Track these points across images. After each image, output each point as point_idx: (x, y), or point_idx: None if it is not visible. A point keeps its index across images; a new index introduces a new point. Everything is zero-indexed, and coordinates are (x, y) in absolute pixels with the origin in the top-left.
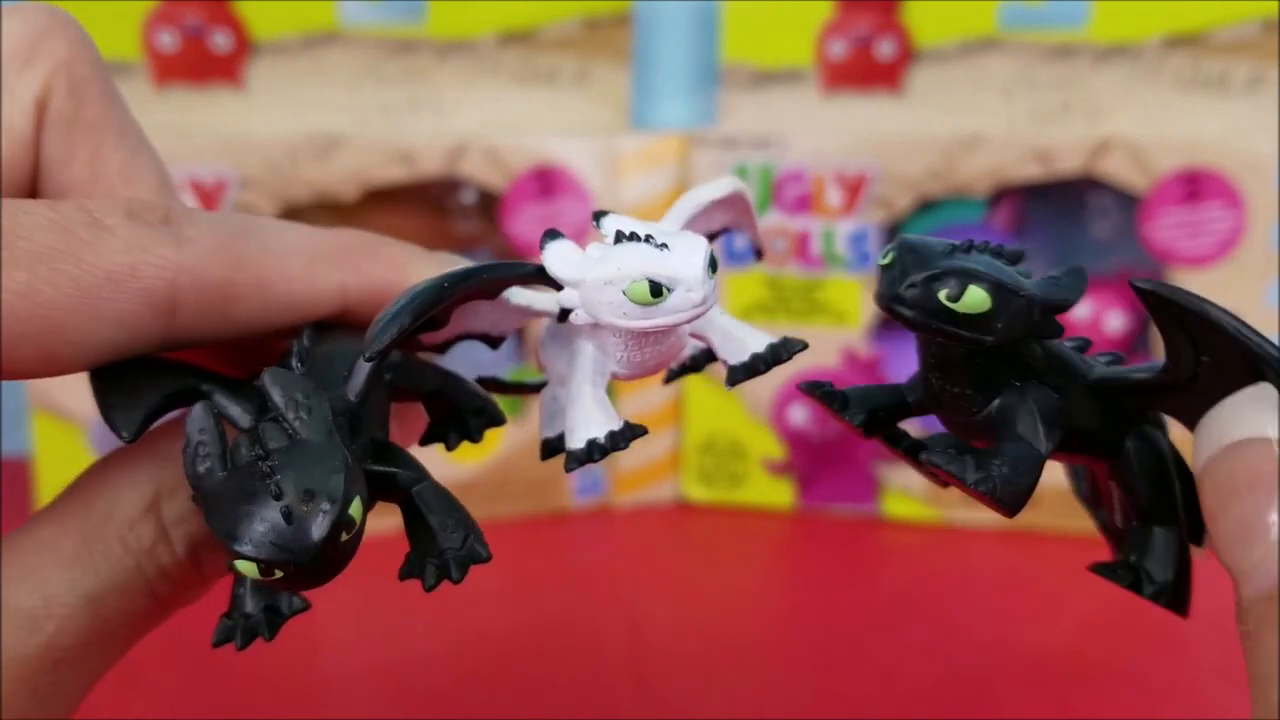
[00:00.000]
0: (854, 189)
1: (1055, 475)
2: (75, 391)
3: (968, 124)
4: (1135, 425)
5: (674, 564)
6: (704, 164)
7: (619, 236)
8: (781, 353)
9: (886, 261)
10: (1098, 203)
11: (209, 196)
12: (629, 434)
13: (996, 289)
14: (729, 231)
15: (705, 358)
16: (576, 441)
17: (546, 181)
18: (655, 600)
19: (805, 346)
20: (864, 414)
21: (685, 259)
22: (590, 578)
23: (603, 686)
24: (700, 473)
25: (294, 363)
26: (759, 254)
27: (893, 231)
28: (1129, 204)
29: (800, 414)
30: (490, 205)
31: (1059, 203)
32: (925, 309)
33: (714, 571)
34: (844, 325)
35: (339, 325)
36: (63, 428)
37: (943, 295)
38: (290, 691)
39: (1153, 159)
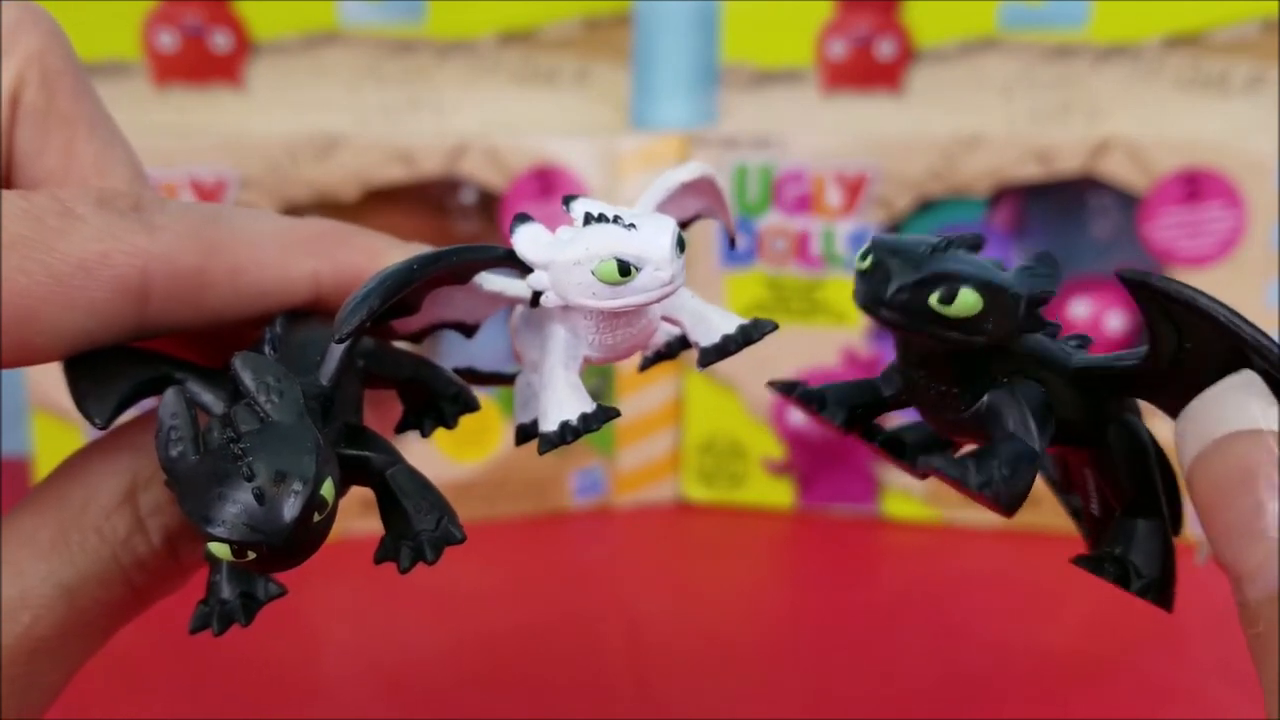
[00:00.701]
0: (854, 189)
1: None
2: None
3: (968, 124)
4: (1116, 414)
5: (674, 564)
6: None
7: (587, 218)
8: (752, 333)
9: (866, 266)
10: (1098, 203)
11: (209, 196)
12: (601, 416)
13: (986, 289)
14: (702, 218)
15: (679, 344)
16: (549, 424)
17: (546, 181)
18: (655, 600)
19: (776, 327)
20: (844, 412)
21: (653, 238)
22: (590, 577)
23: (603, 686)
24: (700, 473)
25: (266, 349)
26: (732, 242)
27: (893, 231)
28: (1129, 204)
29: (800, 414)
30: (490, 205)
31: (1059, 203)
32: (915, 314)
33: (714, 571)
34: (844, 325)
35: (312, 314)
36: (63, 428)
37: (933, 300)
38: (290, 691)
39: (1153, 159)
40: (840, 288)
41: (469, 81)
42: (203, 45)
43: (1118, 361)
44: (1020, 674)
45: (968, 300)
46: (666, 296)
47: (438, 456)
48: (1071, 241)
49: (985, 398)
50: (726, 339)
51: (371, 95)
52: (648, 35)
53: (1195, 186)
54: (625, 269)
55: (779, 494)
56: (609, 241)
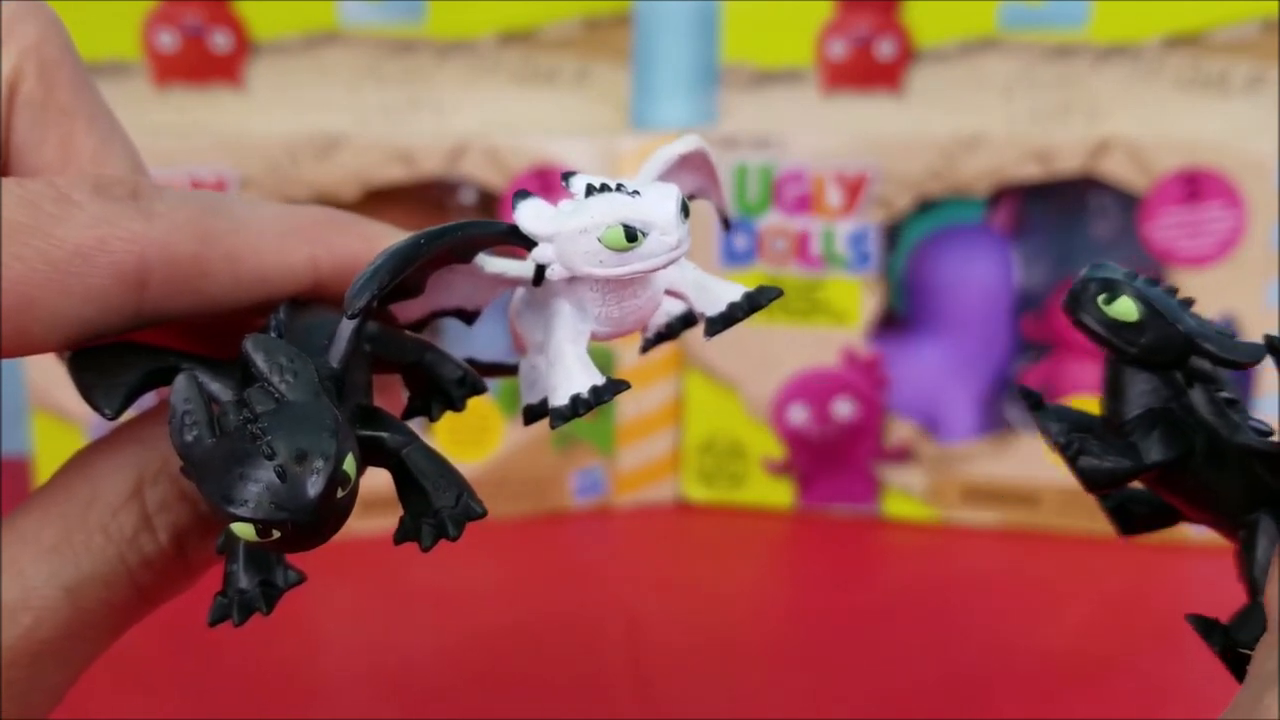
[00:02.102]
0: (854, 189)
1: (1054, 474)
2: (75, 391)
3: (968, 124)
4: (1276, 501)
5: (674, 564)
6: None
7: (589, 189)
8: (759, 299)
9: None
10: (1098, 203)
11: None
12: (612, 388)
13: (1149, 305)
14: (695, 198)
15: (680, 324)
16: (560, 399)
17: (546, 181)
18: (655, 600)
19: (781, 294)
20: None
21: (658, 203)
22: (590, 577)
23: (602, 686)
24: (700, 473)
25: (272, 336)
26: (725, 223)
27: (893, 231)
28: (1129, 204)
29: (800, 414)
30: (490, 205)
31: (1059, 203)
32: (1083, 302)
33: (714, 571)
34: (844, 325)
35: (313, 302)
36: (63, 428)
37: (1101, 299)
38: (291, 691)
39: (1153, 159)
40: (840, 288)
41: (469, 81)
42: (203, 45)
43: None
44: (1020, 674)
45: (1125, 306)
46: (673, 261)
47: None
48: (1071, 241)
49: (1135, 417)
50: (733, 307)
51: (371, 95)
52: (648, 35)
53: (1195, 186)
54: (632, 234)
55: (779, 494)
56: (614, 208)
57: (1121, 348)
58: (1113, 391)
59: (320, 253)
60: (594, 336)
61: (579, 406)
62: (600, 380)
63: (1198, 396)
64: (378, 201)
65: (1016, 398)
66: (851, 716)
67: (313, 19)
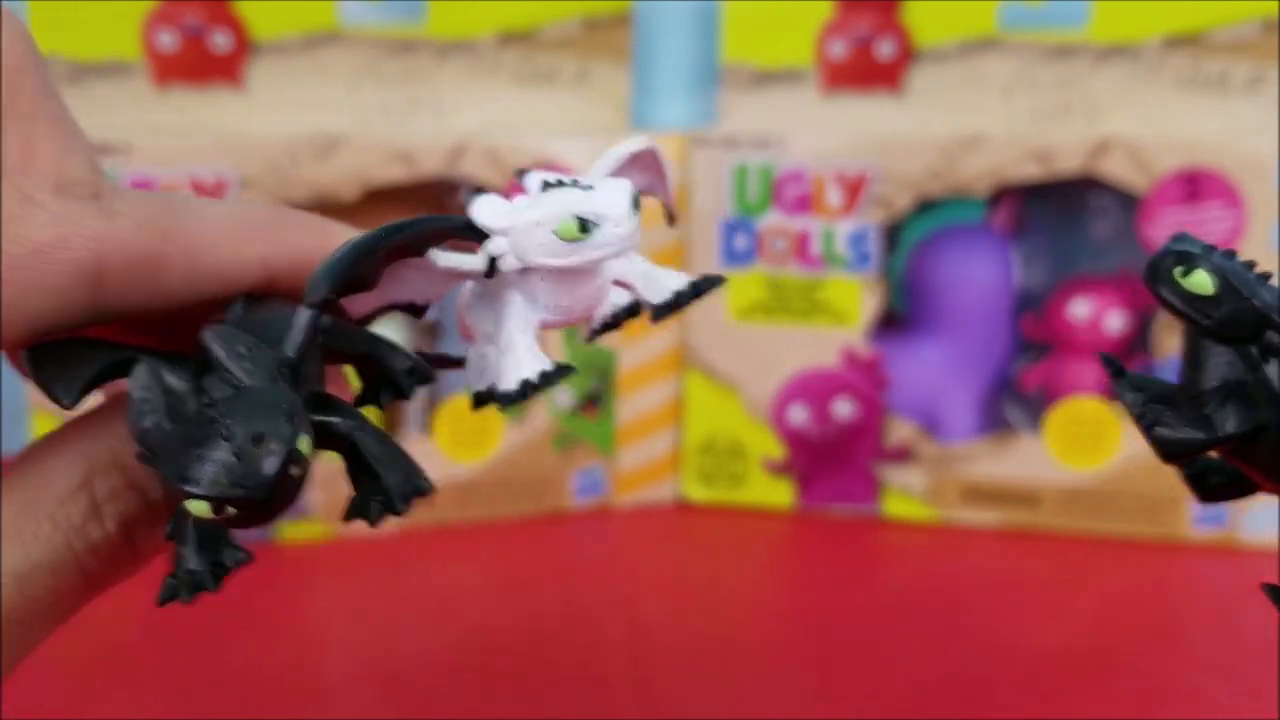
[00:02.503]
0: (854, 189)
1: (1054, 474)
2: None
3: (968, 124)
4: None
5: (674, 564)
6: (704, 164)
7: (545, 185)
8: (702, 286)
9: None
10: (1098, 203)
11: (208, 196)
12: (559, 373)
13: (1223, 279)
14: (645, 195)
15: (625, 313)
16: (509, 384)
17: None
18: (655, 600)
19: (724, 281)
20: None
21: (610, 197)
22: (590, 577)
23: (602, 686)
24: (700, 473)
25: (230, 327)
26: (670, 219)
27: (893, 231)
28: (1129, 204)
29: (800, 414)
30: None
31: (1059, 203)
32: (1160, 274)
33: (714, 571)
34: (844, 325)
35: (269, 297)
36: None
37: (1177, 271)
38: (291, 692)
39: (1153, 159)
40: (840, 288)
41: (469, 81)
42: (203, 45)
43: None
44: (1020, 674)
45: (1201, 279)
46: (625, 251)
47: (438, 456)
48: (1071, 241)
49: (1209, 387)
50: (678, 294)
51: (371, 95)
52: (648, 35)
53: (1195, 186)
54: (585, 226)
55: (779, 494)
56: (568, 202)
57: (1198, 320)
58: (1192, 363)
59: (272, 248)
60: (544, 325)
61: (528, 390)
62: (549, 366)
63: (1273, 371)
64: (378, 201)
65: (1102, 364)
66: (851, 716)
67: (313, 19)
